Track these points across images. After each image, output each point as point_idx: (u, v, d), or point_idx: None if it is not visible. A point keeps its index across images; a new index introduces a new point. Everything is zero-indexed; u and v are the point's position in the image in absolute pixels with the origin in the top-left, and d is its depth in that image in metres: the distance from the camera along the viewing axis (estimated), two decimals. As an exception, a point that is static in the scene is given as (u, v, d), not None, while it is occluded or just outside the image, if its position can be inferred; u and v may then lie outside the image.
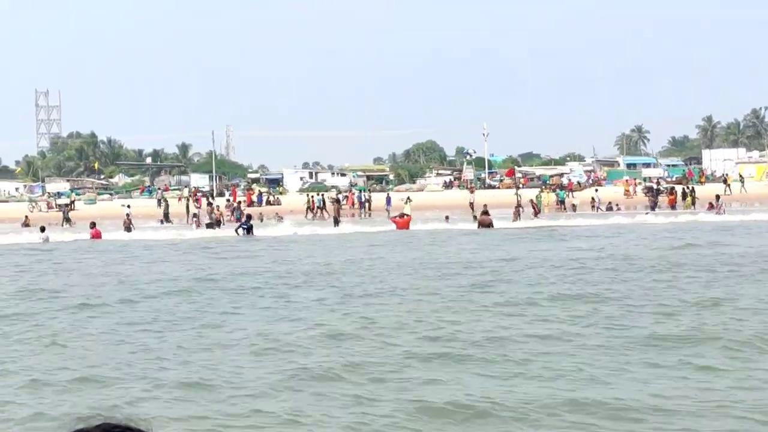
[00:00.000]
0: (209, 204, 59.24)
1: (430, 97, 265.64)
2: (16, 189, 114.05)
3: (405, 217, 40.12)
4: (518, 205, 49.60)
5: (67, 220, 59.54)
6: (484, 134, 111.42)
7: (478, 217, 40.64)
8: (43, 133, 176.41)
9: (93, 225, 36.85)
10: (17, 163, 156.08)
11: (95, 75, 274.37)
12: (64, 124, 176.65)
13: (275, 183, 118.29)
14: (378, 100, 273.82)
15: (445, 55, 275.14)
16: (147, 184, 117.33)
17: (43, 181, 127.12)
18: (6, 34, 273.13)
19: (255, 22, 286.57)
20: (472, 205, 61.35)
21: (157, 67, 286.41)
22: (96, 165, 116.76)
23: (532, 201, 54.44)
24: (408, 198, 59.14)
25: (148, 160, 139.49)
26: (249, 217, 42.16)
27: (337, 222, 44.60)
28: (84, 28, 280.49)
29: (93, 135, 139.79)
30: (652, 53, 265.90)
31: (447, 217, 46.00)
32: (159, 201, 77.59)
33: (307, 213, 66.16)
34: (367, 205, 71.00)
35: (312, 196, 70.66)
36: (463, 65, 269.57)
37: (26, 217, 63.55)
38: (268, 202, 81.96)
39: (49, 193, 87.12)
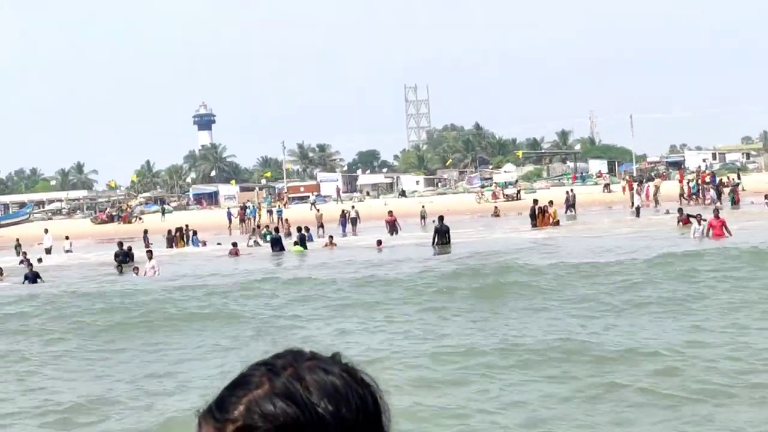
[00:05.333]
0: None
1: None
2: (416, 182, 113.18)
3: None
4: None
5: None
6: None
7: None
8: (412, 128, 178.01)
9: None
10: (395, 157, 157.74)
11: (455, 67, 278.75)
12: (432, 118, 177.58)
13: (676, 166, 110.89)
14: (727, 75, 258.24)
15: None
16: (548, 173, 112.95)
17: (434, 173, 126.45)
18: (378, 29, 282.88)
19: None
20: None
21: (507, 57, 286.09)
22: (520, 154, 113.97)
23: None
24: None
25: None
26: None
27: None
28: (445, 23, 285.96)
29: (478, 126, 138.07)
30: None
31: None
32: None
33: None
34: None
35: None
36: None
37: (496, 208, 60.53)
38: (722, 184, 74.31)
39: (496, 183, 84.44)
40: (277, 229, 35.52)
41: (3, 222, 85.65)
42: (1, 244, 71.43)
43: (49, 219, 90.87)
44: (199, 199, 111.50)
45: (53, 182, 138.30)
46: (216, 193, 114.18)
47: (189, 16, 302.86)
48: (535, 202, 39.25)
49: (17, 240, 48.84)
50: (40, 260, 37.01)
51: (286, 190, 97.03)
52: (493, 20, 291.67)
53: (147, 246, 40.14)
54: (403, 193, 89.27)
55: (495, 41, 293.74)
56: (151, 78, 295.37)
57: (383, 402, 1.36)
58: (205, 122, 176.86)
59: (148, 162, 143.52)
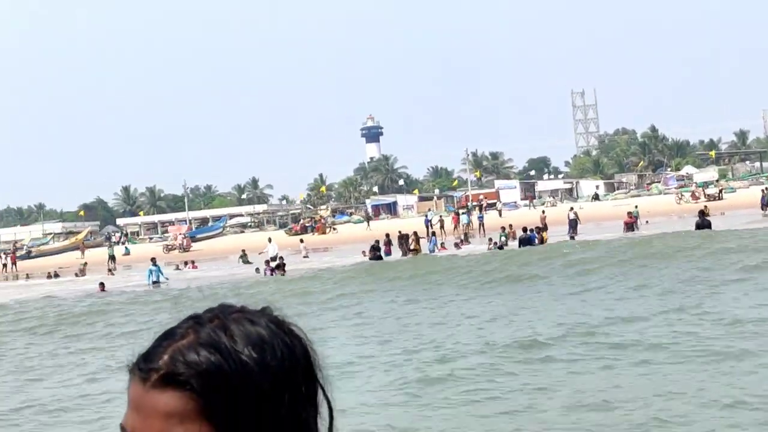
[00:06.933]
0: None
1: None
2: (596, 187, 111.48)
3: None
4: None
5: None
6: None
7: None
8: (581, 133, 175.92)
9: None
10: (566, 163, 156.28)
11: (624, 71, 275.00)
12: (600, 123, 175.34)
13: None
14: None
15: None
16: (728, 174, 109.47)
17: (611, 177, 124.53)
18: (539, 38, 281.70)
19: None
20: None
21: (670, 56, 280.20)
22: (713, 154, 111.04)
23: None
24: None
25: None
26: None
27: None
28: (613, 25, 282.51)
29: (653, 128, 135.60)
30: None
31: None
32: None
33: None
34: None
35: None
36: None
37: (706, 207, 58.43)
38: None
39: (695, 183, 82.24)
40: (526, 229, 35.24)
41: (199, 236, 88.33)
42: (199, 257, 73.75)
43: (242, 232, 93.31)
44: (378, 209, 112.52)
45: (244, 195, 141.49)
46: (394, 204, 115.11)
47: (354, 30, 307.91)
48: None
49: (243, 251, 50.01)
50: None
51: (472, 199, 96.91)
52: (652, 21, 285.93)
53: (387, 251, 40.66)
54: (596, 197, 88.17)
55: (656, 42, 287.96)
56: (318, 93, 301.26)
57: (314, 353, 1.34)
58: (372, 134, 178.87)
59: (321, 175, 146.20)
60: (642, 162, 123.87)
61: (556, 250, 30.52)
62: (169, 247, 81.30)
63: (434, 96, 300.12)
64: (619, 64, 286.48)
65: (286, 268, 36.38)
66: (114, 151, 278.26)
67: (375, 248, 35.90)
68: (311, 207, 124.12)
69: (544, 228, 46.29)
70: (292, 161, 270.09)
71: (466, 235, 55.67)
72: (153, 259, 39.00)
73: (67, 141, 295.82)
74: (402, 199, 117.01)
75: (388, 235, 44.58)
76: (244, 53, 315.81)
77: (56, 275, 58.51)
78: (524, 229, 35.19)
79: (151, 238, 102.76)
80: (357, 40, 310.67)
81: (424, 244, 45.65)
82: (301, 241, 50.64)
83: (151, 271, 36.40)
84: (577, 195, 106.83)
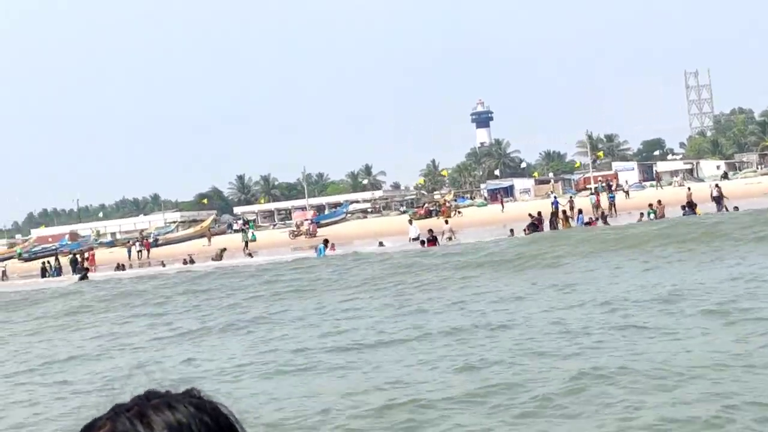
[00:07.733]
0: None
1: None
2: (717, 167, 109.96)
3: None
4: None
5: None
6: None
7: None
8: (695, 114, 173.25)
9: None
10: (681, 145, 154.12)
11: (737, 51, 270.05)
12: (714, 103, 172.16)
13: None
14: None
15: None
16: None
17: (731, 157, 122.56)
18: (649, 19, 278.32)
19: None
20: None
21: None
22: None
23: None
24: None
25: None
26: None
27: None
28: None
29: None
30: None
31: None
32: None
33: None
34: None
35: None
36: None
37: None
38: None
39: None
40: (690, 204, 35.48)
41: (323, 222, 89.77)
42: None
43: (364, 217, 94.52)
44: (494, 193, 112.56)
45: (366, 181, 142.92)
46: (511, 188, 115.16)
47: (463, 14, 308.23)
48: None
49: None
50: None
51: (593, 181, 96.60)
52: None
53: (537, 227, 41.18)
54: (725, 176, 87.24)
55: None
56: (426, 79, 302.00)
57: (242, 428, 1.36)
58: (483, 120, 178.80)
59: (433, 161, 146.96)
60: (765, 141, 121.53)
61: None
62: (296, 233, 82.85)
63: (544, 80, 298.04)
64: (732, 44, 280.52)
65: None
66: (227, 141, 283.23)
67: (533, 225, 37.08)
68: (425, 192, 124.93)
69: (694, 204, 46.21)
70: (401, 148, 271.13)
71: (603, 213, 55.66)
72: (325, 241, 44.59)
73: (181, 132, 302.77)
74: (519, 183, 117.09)
75: (540, 213, 45.51)
76: (354, 42, 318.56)
77: (192, 261, 60.03)
78: (684, 206, 35.44)
79: (274, 225, 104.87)
80: (466, 23, 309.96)
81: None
82: (446, 222, 51.33)
83: (321, 249, 41.98)
84: (698, 175, 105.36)
